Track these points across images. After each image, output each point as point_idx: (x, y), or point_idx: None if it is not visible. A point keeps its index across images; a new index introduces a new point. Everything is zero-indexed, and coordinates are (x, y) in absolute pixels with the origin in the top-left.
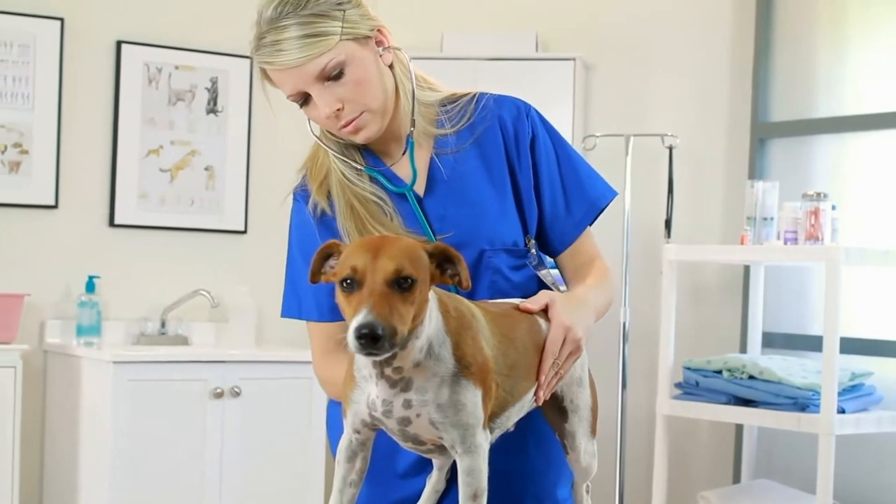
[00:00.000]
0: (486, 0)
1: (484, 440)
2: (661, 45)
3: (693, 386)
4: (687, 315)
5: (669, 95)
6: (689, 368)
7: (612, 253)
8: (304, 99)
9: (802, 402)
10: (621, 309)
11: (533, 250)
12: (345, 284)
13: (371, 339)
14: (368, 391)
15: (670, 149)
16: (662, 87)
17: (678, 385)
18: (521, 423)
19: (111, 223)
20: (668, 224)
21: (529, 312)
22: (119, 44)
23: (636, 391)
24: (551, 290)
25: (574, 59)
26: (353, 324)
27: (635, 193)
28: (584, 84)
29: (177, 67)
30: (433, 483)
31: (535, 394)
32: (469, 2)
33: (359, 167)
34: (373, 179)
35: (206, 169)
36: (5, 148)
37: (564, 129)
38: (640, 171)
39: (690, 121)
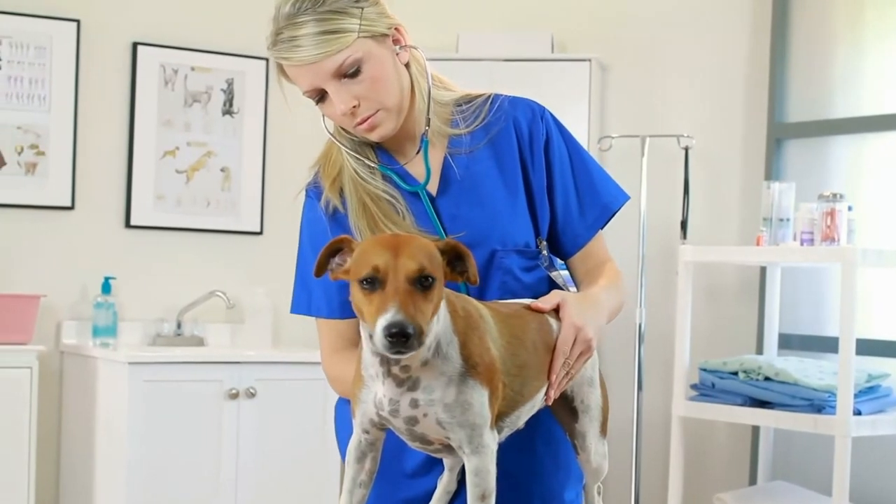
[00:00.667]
0: (501, 1)
1: (491, 440)
2: (677, 46)
3: (709, 387)
4: (703, 316)
5: (685, 96)
6: (704, 370)
7: (628, 254)
8: (320, 96)
9: (818, 403)
10: (637, 310)
11: (544, 252)
12: (365, 283)
13: (402, 338)
14: (375, 390)
15: (686, 150)
16: (678, 87)
17: (694, 386)
18: (529, 424)
19: (127, 224)
20: (683, 225)
21: (540, 311)
22: (135, 45)
23: (652, 392)
24: (563, 290)
25: (590, 60)
26: (382, 322)
27: (651, 194)
28: (600, 85)
29: (193, 69)
30: (444, 484)
31: (546, 393)
32: (485, 2)
33: (372, 165)
34: (386, 178)
35: (222, 170)
36: (22, 149)
37: (580, 130)
38: (656, 172)
39: (706, 121)
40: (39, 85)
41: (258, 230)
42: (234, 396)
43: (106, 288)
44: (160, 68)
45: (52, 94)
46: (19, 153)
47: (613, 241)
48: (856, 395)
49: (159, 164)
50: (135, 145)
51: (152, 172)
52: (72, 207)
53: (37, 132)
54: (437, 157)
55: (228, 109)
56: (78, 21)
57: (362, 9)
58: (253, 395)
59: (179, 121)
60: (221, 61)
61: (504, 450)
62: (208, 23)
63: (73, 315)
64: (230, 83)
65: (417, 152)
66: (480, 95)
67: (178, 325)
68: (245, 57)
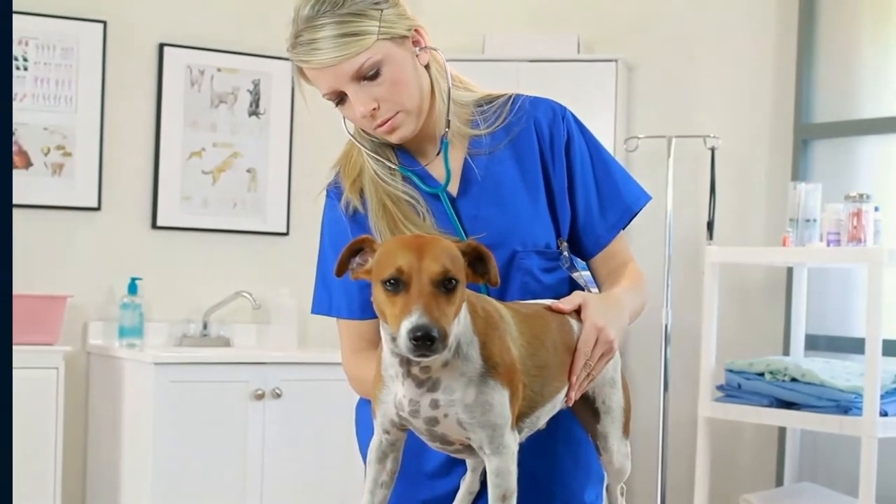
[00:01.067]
0: (528, 2)
1: (512, 441)
2: (704, 47)
3: (735, 388)
4: (729, 317)
5: (712, 97)
6: (731, 370)
7: (654, 255)
8: (340, 98)
9: (845, 404)
10: (663, 311)
11: (565, 252)
12: (388, 284)
13: (426, 341)
14: (396, 391)
15: (712, 150)
16: (705, 88)
17: (720, 387)
18: (550, 425)
19: (154, 225)
20: (710, 226)
21: (562, 312)
22: (161, 46)
23: (678, 393)
24: (584, 291)
25: (616, 61)
26: (406, 325)
27: (677, 195)
28: (627, 85)
29: (219, 70)
30: (467, 484)
31: (566, 394)
32: (511, 3)
33: (392, 166)
34: (406, 179)
35: (249, 171)
36: (48, 150)
37: (606, 131)
38: (683, 172)
39: (733, 122)
40: (66, 86)
41: (284, 231)
42: (260, 397)
43: (132, 289)
44: (186, 69)
45: (78, 95)
46: (46, 154)
47: (640, 241)
48: (882, 397)
49: (186, 164)
50: (161, 146)
51: (179, 173)
52: (98, 208)
53: (63, 133)
54: (457, 158)
55: (255, 110)
56: (104, 22)
57: (381, 11)
58: (279, 395)
59: (206, 122)
60: (248, 62)
61: (525, 450)
62: (235, 24)
63: (99, 316)
64: (256, 84)
65: (438, 153)
66: (501, 96)
67: (205, 326)
68: (271, 58)
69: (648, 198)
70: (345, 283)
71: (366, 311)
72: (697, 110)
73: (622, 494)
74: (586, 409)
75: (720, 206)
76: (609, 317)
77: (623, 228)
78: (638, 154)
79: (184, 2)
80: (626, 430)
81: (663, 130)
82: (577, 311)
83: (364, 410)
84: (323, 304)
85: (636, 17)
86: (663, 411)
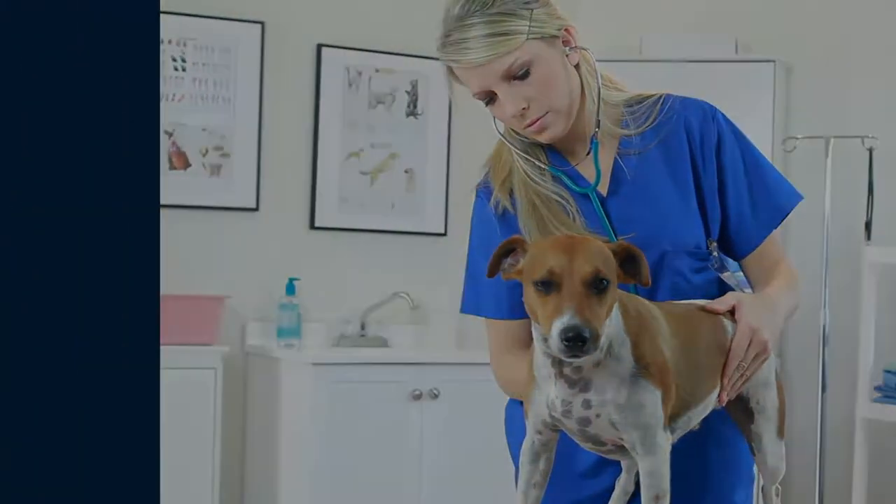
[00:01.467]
0: (685, 2)
1: (664, 441)
2: (862, 46)
3: (893, 389)
4: (887, 317)
5: (870, 97)
6: (889, 371)
7: (812, 255)
8: (490, 97)
9: None
10: (821, 312)
11: (714, 253)
12: (540, 285)
13: (578, 342)
14: (548, 391)
15: (870, 150)
16: (862, 88)
17: (878, 388)
18: (701, 426)
19: (312, 226)
20: (868, 226)
21: (716, 313)
22: (319, 47)
23: (835, 394)
24: (736, 291)
25: (774, 62)
26: (558, 325)
27: (835, 195)
28: (784, 86)
29: (377, 70)
30: (622, 485)
31: (719, 395)
32: (668, 4)
33: (542, 166)
34: (556, 179)
35: (407, 171)
36: (207, 151)
37: (764, 132)
38: (840, 172)
39: (891, 122)
40: (224, 87)
41: (442, 231)
42: (418, 397)
43: (290, 289)
44: (344, 70)
45: (236, 96)
46: (204, 155)
47: (797, 242)
48: None
49: (344, 165)
50: (319, 147)
51: (336, 174)
52: (256, 209)
53: (222, 134)
54: (607, 158)
55: (412, 111)
56: (262, 23)
57: (532, 10)
58: (436, 396)
59: (363, 122)
60: (405, 63)
61: (675, 451)
62: (392, 24)
63: (257, 316)
64: (414, 85)
65: (587, 153)
66: (651, 96)
67: (362, 326)
68: (429, 59)
69: (800, 197)
70: (493, 283)
71: (514, 311)
72: (855, 110)
73: (777, 495)
74: (740, 410)
75: (878, 206)
76: (763, 318)
77: (775, 228)
78: (795, 155)
79: (342, 3)
80: (780, 431)
81: (821, 131)
82: (731, 312)
83: (514, 411)
84: (471, 304)
85: (794, 18)
86: (821, 412)
